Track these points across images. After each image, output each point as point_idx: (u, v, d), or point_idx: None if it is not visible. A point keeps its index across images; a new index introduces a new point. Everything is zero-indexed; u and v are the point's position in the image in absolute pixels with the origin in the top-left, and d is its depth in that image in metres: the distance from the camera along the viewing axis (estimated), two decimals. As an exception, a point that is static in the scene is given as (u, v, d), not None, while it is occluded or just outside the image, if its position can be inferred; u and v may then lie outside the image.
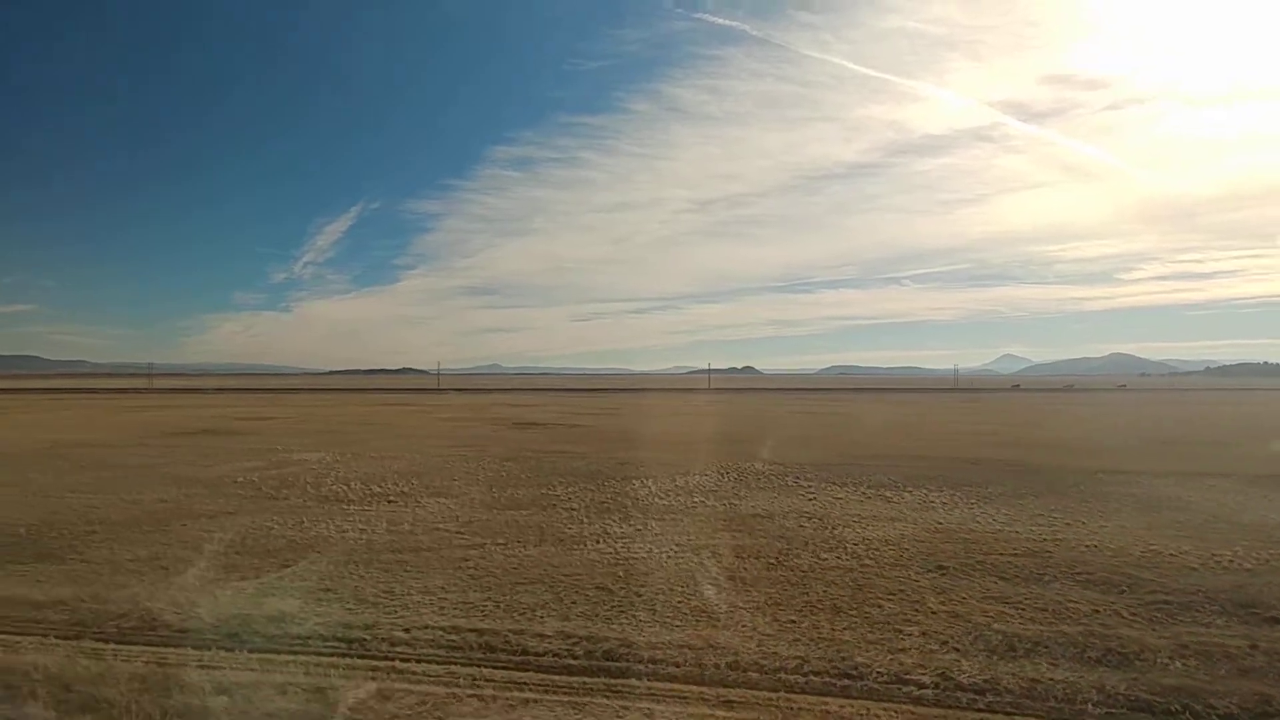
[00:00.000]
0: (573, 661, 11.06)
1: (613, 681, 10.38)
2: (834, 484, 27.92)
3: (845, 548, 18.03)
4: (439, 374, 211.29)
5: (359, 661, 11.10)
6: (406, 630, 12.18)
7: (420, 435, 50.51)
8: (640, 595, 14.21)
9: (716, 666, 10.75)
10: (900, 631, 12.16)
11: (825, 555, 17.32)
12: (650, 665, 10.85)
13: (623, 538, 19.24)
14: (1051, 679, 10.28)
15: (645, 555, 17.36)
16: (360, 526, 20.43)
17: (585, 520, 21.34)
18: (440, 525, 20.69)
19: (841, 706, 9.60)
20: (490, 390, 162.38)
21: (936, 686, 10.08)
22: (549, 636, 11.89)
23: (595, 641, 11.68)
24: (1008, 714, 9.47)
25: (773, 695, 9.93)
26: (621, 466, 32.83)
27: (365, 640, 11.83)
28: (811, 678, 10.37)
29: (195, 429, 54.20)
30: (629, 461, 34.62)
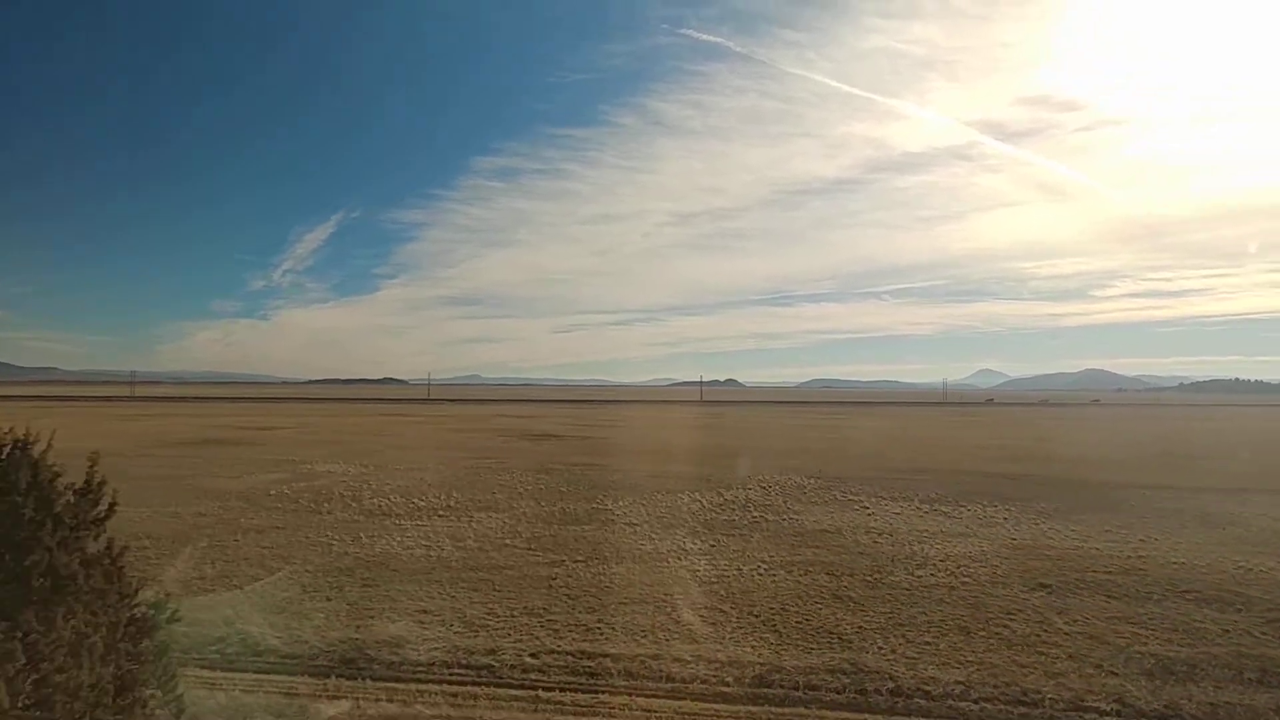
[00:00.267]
0: (725, 689, 10.52)
1: (778, 711, 9.87)
2: (883, 498, 27.66)
3: (934, 565, 17.69)
4: (429, 384, 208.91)
5: (499, 691, 10.47)
6: (534, 655, 11.56)
7: (432, 446, 49.46)
8: (757, 615, 13.72)
9: (879, 693, 10.30)
10: (1045, 654, 11.80)
11: (919, 573, 16.96)
12: (809, 692, 10.37)
13: (701, 554, 18.73)
14: (1229, 702, 9.98)
15: (736, 573, 16.85)
16: (423, 542, 19.67)
17: (654, 536, 20.78)
18: (506, 541, 19.99)
19: (1030, 736, 9.20)
20: (482, 401, 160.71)
21: (1118, 714, 9.72)
22: (691, 661, 11.35)
23: (738, 666, 11.17)
24: (1203, 742, 9.13)
25: (953, 724, 9.49)
26: (656, 479, 32.28)
27: (494, 667, 11.19)
28: (985, 705, 9.95)
29: (198, 439, 52.59)
30: (661, 475, 34.06)
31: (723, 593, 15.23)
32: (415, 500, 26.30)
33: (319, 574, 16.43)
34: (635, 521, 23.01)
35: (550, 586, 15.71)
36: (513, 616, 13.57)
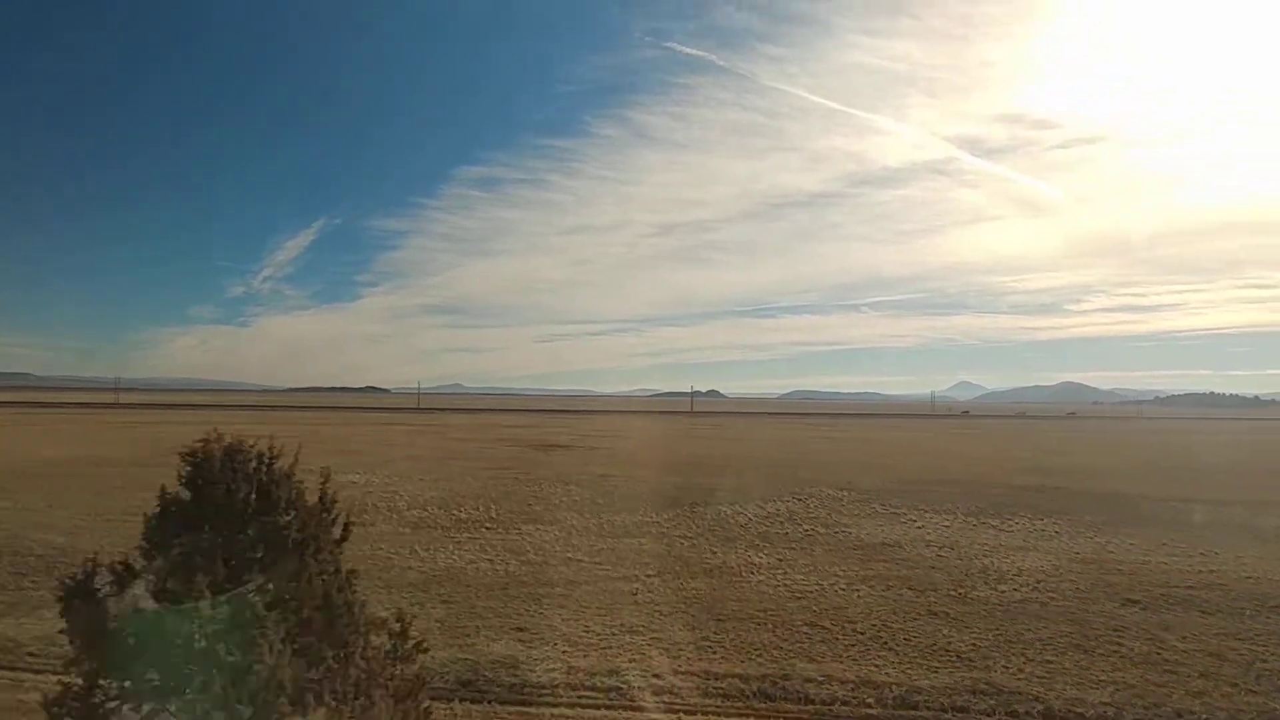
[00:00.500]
0: (869, 711, 10.18)
1: (934, 733, 9.55)
2: (925, 510, 27.52)
3: (1013, 579, 17.51)
4: (419, 394, 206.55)
5: (630, 715, 10.02)
6: (657, 676, 11.13)
7: (444, 457, 48.59)
8: (862, 632, 13.41)
9: (1031, 715, 10.03)
10: (1175, 673, 11.63)
11: (1002, 587, 16.76)
12: (957, 714, 10.07)
13: (772, 568, 18.40)
14: (1384, 724, 9.83)
15: (819, 588, 16.54)
16: (483, 556, 19.11)
17: (715, 550, 20.40)
18: (569, 555, 19.49)
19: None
20: (474, 411, 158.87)
21: (1280, 734, 9.52)
22: (822, 681, 10.99)
23: (873, 687, 10.83)
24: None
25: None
26: (686, 491, 31.85)
27: (621, 689, 10.75)
28: (1143, 726, 9.71)
29: (202, 447, 51.13)
30: (688, 486, 33.63)
31: (815, 609, 14.90)
32: (455, 512, 25.67)
33: (392, 590, 15.82)
34: (688, 535, 22.63)
35: (636, 602, 15.27)
36: (614, 634, 13.12)
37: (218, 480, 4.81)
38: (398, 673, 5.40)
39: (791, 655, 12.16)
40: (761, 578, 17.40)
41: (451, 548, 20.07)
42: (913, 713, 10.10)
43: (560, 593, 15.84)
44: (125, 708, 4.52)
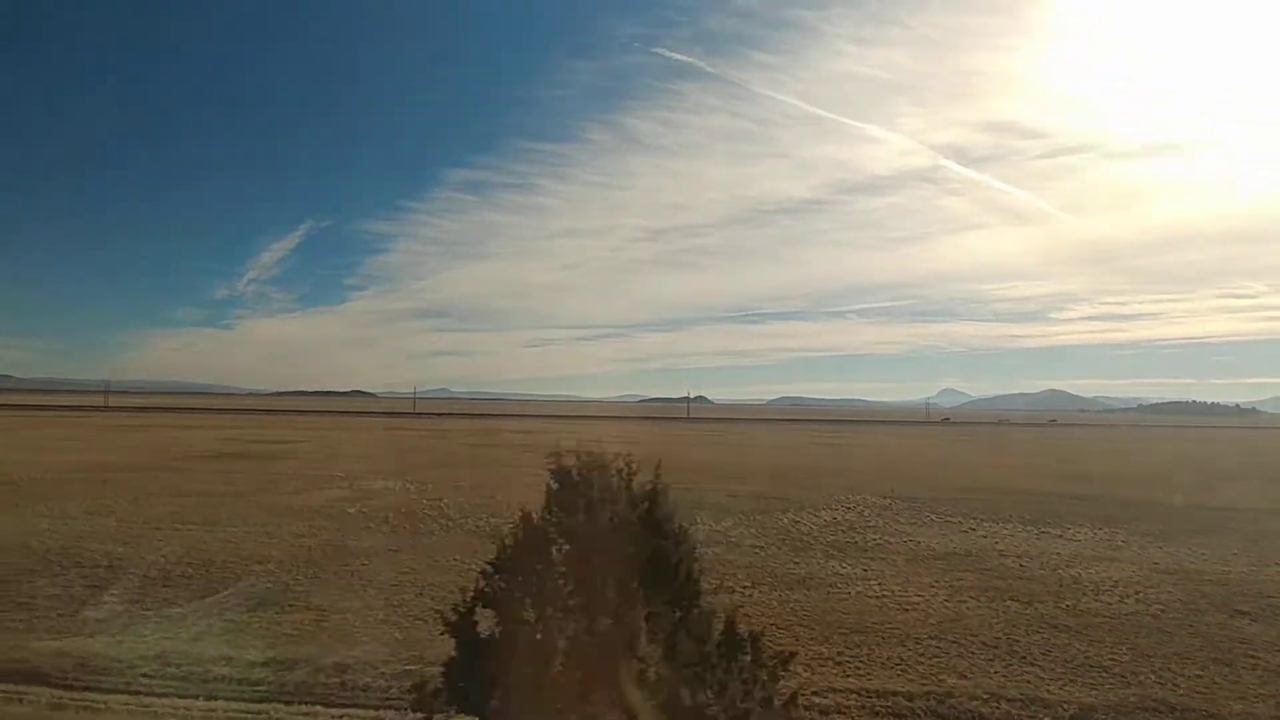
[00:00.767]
0: (1046, 729, 9.90)
1: (1126, 753, 9.29)
2: (980, 519, 27.41)
3: (1109, 590, 17.37)
4: (414, 398, 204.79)
5: (810, 734, 9.68)
6: (821, 695, 10.79)
7: (470, 464, 47.90)
8: (991, 646, 13.16)
9: (1212, 732, 9.78)
10: (1329, 687, 11.44)
11: (1104, 598, 16.61)
12: (1137, 732, 9.81)
13: (860, 579, 18.13)
14: None
15: (920, 599, 16.30)
16: (563, 566, 18.66)
17: (795, 561, 20.11)
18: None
19: None
20: (471, 415, 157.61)
21: None
22: (987, 698, 10.70)
23: (1044, 705, 10.55)
24: None
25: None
26: (735, 500, 31.54)
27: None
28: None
29: (219, 452, 50.19)
30: (735, 494, 33.29)
31: (932, 622, 14.64)
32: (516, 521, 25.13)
33: (490, 602, 15.36)
34: (758, 544, 22.32)
35: (747, 616, 14.85)
36: (743, 649, 12.74)
37: (581, 498, 4.44)
38: (768, 692, 5.03)
39: (937, 671, 11.88)
40: (859, 588, 17.12)
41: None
42: (1094, 732, 9.84)
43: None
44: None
